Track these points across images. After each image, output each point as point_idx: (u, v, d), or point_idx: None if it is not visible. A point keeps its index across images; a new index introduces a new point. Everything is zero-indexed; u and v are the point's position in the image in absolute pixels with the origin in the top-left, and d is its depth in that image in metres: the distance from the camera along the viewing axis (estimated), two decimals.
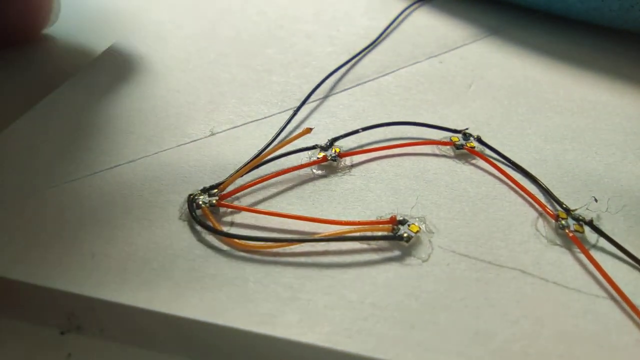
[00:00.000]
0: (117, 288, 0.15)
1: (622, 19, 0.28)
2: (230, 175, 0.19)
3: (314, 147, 0.21)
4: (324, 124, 0.23)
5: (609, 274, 0.16)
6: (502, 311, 0.15)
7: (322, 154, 0.20)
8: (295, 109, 0.23)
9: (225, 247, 0.16)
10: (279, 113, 0.23)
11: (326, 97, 0.25)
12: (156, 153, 0.20)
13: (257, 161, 0.19)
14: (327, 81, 0.25)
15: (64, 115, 0.22)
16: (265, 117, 0.23)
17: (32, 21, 0.26)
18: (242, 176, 0.19)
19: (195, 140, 0.21)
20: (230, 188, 0.18)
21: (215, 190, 0.18)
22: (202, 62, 0.27)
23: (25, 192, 0.18)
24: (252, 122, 0.23)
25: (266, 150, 0.20)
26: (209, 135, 0.22)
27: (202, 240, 0.17)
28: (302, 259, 0.16)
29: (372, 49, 0.29)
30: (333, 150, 0.20)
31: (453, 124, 0.23)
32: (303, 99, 0.24)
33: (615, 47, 0.29)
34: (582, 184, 0.20)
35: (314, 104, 0.24)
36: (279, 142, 0.21)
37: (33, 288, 0.15)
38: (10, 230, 0.17)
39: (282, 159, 0.20)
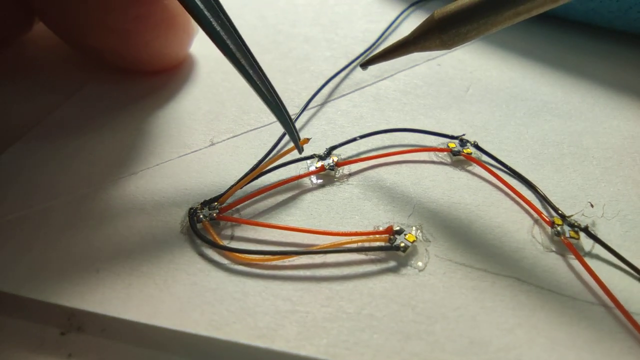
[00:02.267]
0: (122, 304, 0.15)
1: (620, 21, 0.28)
2: (230, 188, 0.19)
3: (312, 157, 0.21)
4: (323, 131, 0.23)
5: (604, 280, 0.16)
6: (497, 320, 0.16)
7: (320, 164, 0.20)
8: (294, 116, 0.23)
9: (225, 261, 0.17)
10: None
11: (325, 103, 0.25)
12: (157, 165, 0.21)
13: (256, 173, 0.19)
14: (326, 86, 0.26)
15: (67, 130, 0.22)
16: (264, 125, 0.23)
17: (175, 50, 0.25)
18: (241, 188, 0.19)
19: (195, 151, 0.22)
20: (229, 200, 0.19)
21: (216, 203, 0.18)
22: (201, 71, 0.27)
23: (29, 207, 0.19)
24: (251, 130, 0.23)
25: (265, 161, 0.20)
26: (209, 145, 0.22)
27: (202, 254, 0.17)
28: (301, 272, 0.17)
29: (370, 52, 0.29)
30: (331, 159, 0.21)
31: (451, 129, 0.23)
32: (302, 105, 0.24)
33: (613, 48, 0.29)
34: (578, 188, 0.20)
35: (313, 110, 0.24)
36: (278, 152, 0.22)
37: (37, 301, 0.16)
38: (15, 248, 0.17)
39: (281, 169, 0.20)
